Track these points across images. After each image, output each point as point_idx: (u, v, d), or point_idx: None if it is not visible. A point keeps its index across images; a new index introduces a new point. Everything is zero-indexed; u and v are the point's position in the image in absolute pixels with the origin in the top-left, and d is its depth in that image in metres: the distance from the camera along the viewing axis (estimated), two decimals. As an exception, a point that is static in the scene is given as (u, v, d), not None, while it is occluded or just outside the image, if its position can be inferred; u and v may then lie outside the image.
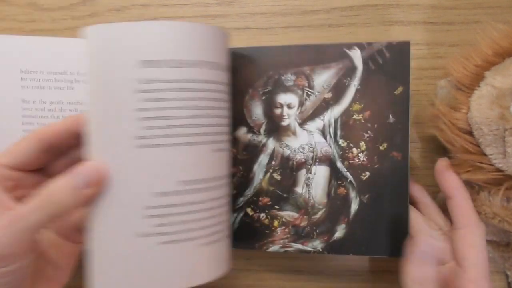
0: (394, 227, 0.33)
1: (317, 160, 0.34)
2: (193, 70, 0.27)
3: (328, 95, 0.33)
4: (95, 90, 0.27)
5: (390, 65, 0.32)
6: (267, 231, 0.34)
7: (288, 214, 0.34)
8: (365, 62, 0.33)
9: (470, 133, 0.31)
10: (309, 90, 0.34)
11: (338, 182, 0.34)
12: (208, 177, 0.28)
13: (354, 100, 0.33)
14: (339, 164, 0.34)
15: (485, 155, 0.31)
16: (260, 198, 0.34)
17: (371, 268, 0.38)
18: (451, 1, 0.37)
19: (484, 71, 0.31)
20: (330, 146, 0.34)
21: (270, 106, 0.34)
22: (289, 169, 0.34)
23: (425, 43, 0.37)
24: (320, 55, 0.33)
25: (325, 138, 0.34)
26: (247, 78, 0.34)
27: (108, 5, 0.39)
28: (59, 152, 0.29)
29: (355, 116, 0.33)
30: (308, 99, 0.34)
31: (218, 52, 0.29)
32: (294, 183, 0.34)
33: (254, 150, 0.35)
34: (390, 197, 0.33)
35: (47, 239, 0.30)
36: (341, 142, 0.33)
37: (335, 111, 0.33)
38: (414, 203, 0.34)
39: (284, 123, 0.34)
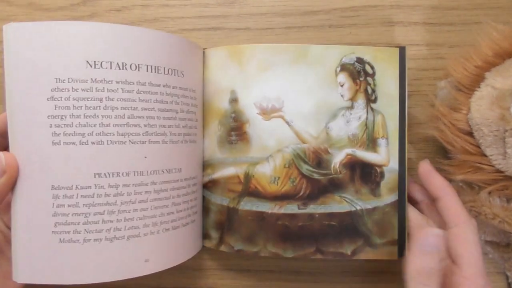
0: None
1: None
2: (102, 71, 0.28)
3: None
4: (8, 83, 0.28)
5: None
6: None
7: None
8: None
9: (470, 134, 0.31)
10: None
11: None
12: (122, 171, 0.28)
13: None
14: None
15: (485, 156, 0.31)
16: None
17: (371, 268, 0.38)
18: (451, 1, 0.37)
19: (484, 72, 0.31)
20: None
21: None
22: None
23: (425, 44, 0.37)
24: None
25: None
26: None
27: (108, 5, 0.38)
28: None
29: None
30: None
31: (128, 52, 0.29)
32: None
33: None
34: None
35: None
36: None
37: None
38: (414, 203, 0.34)
39: None
